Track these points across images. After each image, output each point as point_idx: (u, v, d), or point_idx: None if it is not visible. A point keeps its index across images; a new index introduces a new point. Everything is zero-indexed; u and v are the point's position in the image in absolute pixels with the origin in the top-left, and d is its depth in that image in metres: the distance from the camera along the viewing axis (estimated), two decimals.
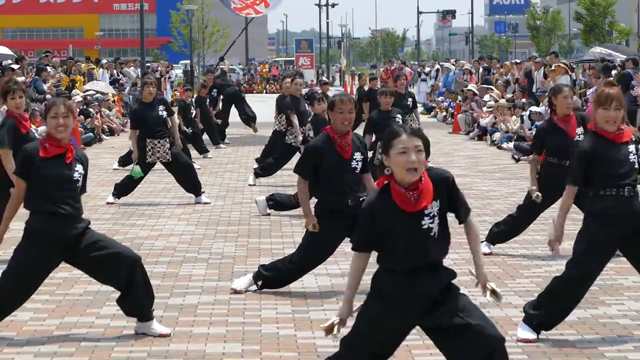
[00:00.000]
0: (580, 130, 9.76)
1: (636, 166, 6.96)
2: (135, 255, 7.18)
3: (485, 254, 10.13)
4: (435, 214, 5.16)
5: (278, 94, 19.16)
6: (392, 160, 5.11)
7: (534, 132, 19.81)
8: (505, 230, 10.20)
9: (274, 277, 8.54)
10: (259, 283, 8.55)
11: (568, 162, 9.78)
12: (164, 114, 13.90)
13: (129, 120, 15.64)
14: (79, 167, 7.04)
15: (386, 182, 5.18)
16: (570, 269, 6.94)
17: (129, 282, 7.08)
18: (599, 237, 6.87)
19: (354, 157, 8.32)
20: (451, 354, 5.28)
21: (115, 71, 33.47)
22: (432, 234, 5.16)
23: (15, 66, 24.95)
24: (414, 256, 5.16)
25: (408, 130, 5.13)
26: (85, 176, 7.15)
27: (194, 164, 18.02)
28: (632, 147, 7.00)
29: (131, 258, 7.10)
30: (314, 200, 8.40)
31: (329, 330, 5.37)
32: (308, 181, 8.36)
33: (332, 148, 8.30)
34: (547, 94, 11.61)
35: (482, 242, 10.35)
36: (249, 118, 24.60)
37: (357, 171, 8.31)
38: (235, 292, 8.49)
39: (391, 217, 5.14)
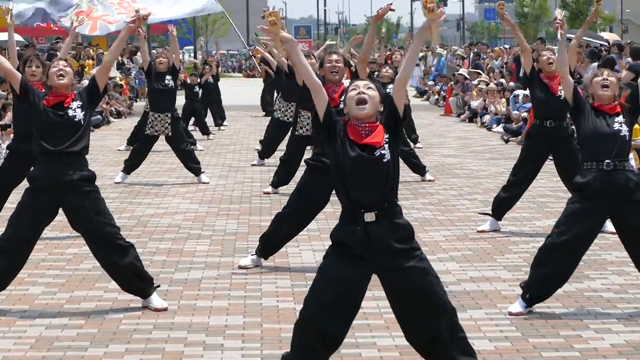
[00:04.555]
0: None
1: (627, 141, 6.86)
2: (119, 243, 6.97)
3: (482, 231, 10.06)
4: (387, 141, 5.12)
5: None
6: (347, 101, 5.21)
7: (521, 115, 19.90)
8: (506, 197, 10.04)
9: (271, 230, 8.43)
10: (258, 247, 8.48)
11: (549, 122, 9.64)
12: (171, 83, 13.97)
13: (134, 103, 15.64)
14: (75, 103, 7.00)
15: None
16: (547, 237, 6.94)
17: (115, 265, 6.98)
18: (575, 207, 6.86)
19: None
20: (401, 315, 5.20)
21: (123, 58, 33.34)
22: (385, 160, 5.08)
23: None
24: (366, 190, 5.05)
25: (365, 79, 5.28)
26: (91, 90, 7.09)
27: (197, 145, 18.04)
28: (620, 118, 6.90)
29: (116, 244, 6.95)
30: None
31: (269, 15, 5.17)
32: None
33: None
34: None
35: (486, 214, 10.21)
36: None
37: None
38: (241, 267, 8.46)
39: (343, 148, 5.10)
